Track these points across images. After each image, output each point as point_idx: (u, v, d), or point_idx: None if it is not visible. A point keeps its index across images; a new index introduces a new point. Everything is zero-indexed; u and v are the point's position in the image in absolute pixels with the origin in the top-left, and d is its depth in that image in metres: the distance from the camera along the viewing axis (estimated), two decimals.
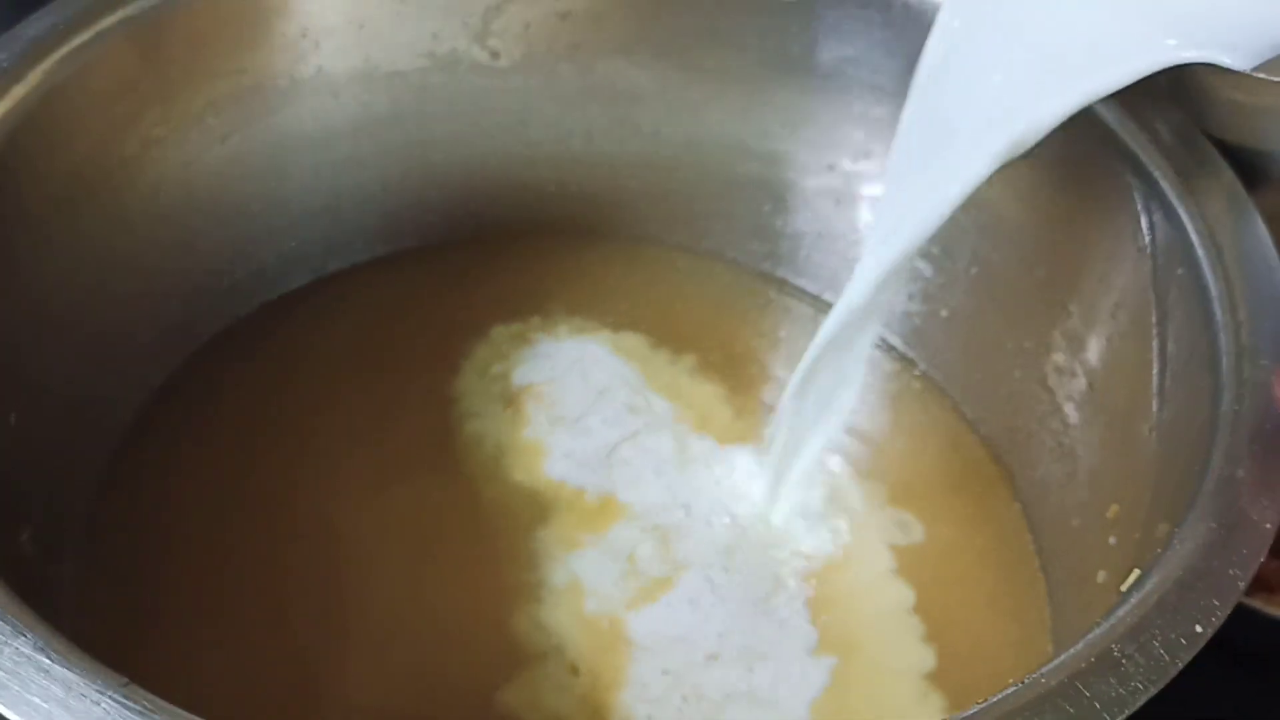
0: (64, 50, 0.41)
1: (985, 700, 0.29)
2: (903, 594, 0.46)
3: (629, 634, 0.44)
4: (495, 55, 0.51)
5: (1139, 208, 0.42)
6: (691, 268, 0.55)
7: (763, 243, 0.55)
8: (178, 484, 0.46)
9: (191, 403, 0.49)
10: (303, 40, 0.48)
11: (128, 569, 0.44)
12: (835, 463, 0.49)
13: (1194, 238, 0.40)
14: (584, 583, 0.45)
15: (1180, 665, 0.30)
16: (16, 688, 0.27)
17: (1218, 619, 0.31)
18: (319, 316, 0.52)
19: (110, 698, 0.27)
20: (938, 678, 0.44)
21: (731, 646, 0.44)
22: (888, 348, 0.53)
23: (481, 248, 0.54)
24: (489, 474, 0.48)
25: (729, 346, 0.53)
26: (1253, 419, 0.35)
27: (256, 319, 0.51)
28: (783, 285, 0.55)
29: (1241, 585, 0.32)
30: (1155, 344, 0.41)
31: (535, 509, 0.47)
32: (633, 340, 0.53)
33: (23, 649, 0.28)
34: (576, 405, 0.50)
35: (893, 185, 0.42)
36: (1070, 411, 0.46)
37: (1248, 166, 0.41)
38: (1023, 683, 0.29)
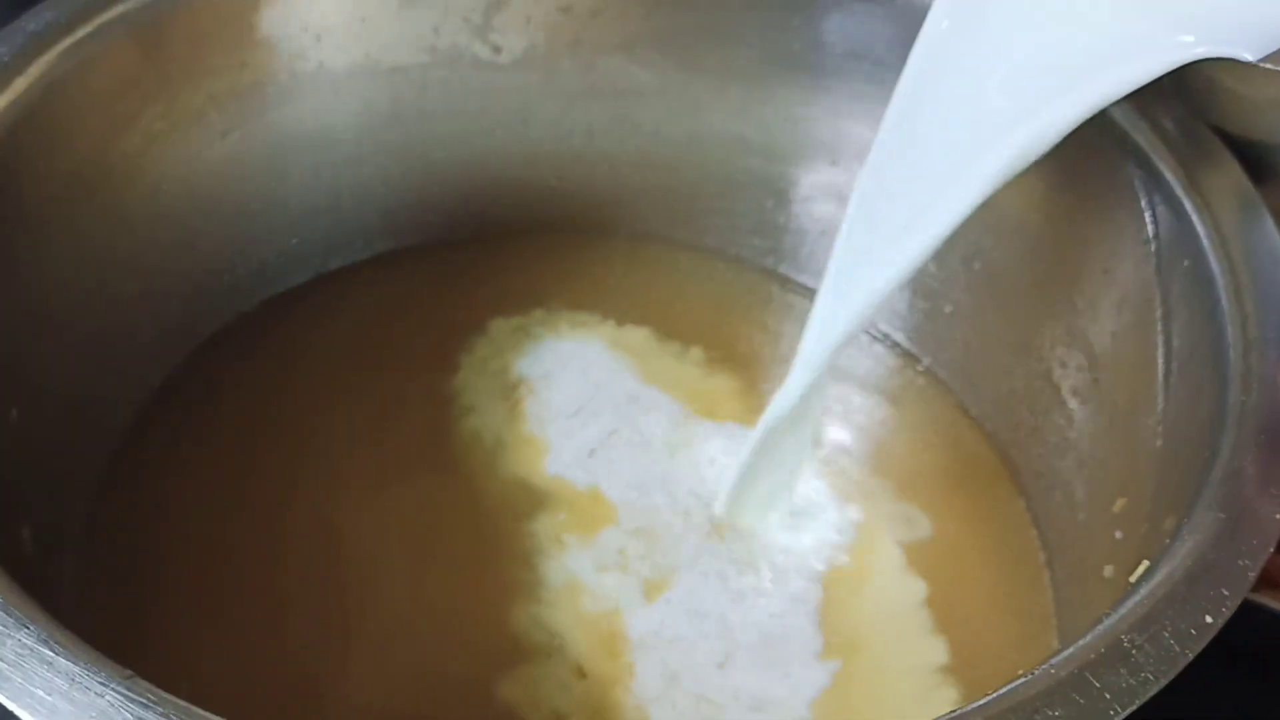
0: (64, 45, 0.41)
1: (994, 691, 0.29)
2: (911, 589, 0.46)
3: (629, 633, 0.44)
4: (497, 50, 0.51)
5: (1143, 201, 0.42)
6: (693, 265, 0.55)
7: (765, 239, 0.55)
8: (178, 483, 0.46)
9: (191, 402, 0.48)
10: (303, 36, 0.48)
11: (127, 568, 0.44)
12: (839, 459, 0.49)
13: (1199, 230, 0.40)
14: (584, 581, 0.45)
15: (1191, 656, 0.30)
16: (20, 680, 0.27)
17: (1228, 609, 0.31)
18: (319, 314, 0.52)
19: (114, 690, 0.27)
20: (950, 672, 0.43)
21: (735, 645, 0.44)
22: (891, 344, 0.53)
23: (482, 245, 0.54)
24: (489, 471, 0.48)
25: (731, 342, 0.53)
26: (1260, 410, 0.35)
27: (257, 317, 0.51)
28: (785, 282, 0.55)
29: (1251, 575, 0.31)
30: (1160, 337, 0.41)
31: (535, 506, 0.47)
32: (634, 336, 0.53)
33: (26, 641, 0.28)
34: (577, 400, 0.50)
35: (859, 222, 0.41)
36: (1075, 406, 0.46)
37: (1255, 161, 0.41)
38: (1032, 674, 0.29)
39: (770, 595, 0.45)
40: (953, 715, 0.28)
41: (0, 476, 0.39)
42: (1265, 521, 0.33)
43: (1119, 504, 0.42)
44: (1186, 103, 0.42)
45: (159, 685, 0.28)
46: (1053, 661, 0.29)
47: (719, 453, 0.49)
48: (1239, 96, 0.40)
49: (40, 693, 0.27)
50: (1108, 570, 0.40)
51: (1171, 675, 0.29)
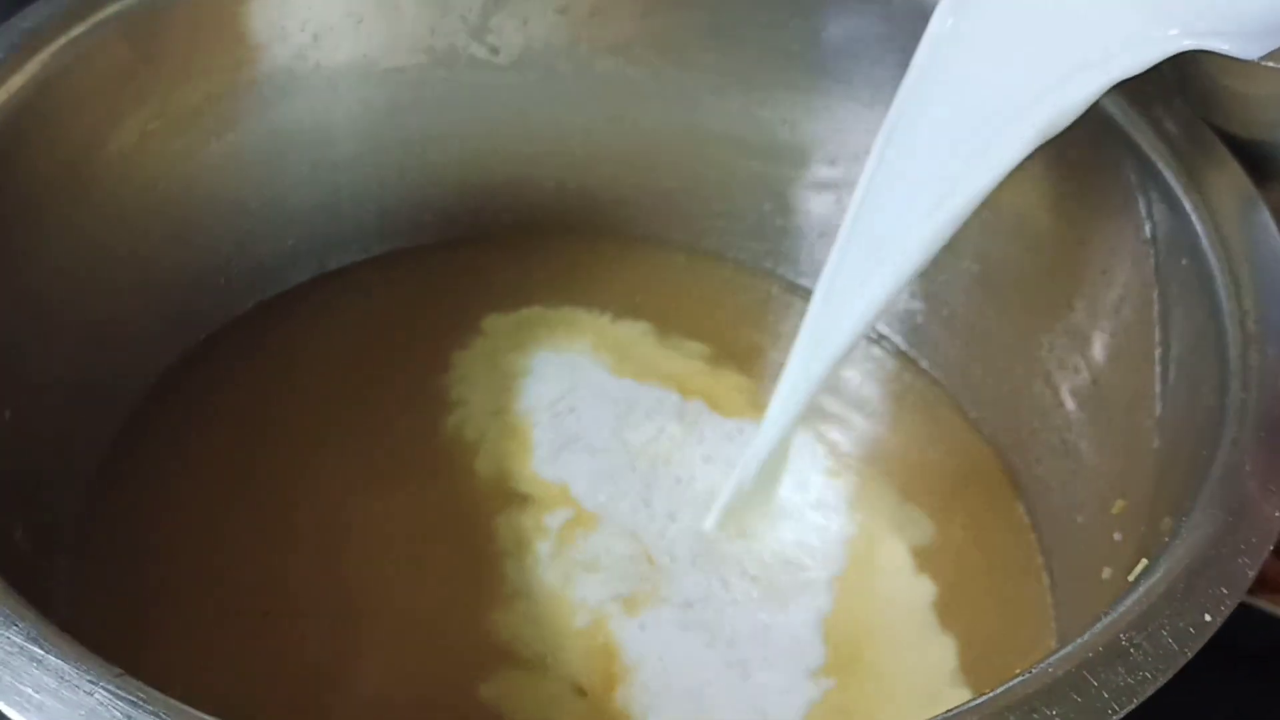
0: (60, 42, 0.41)
1: (992, 690, 0.29)
2: (918, 593, 0.45)
3: (623, 639, 0.43)
4: (494, 51, 0.51)
5: (1141, 200, 0.42)
6: (691, 265, 0.55)
7: (763, 241, 0.55)
8: (174, 480, 0.46)
9: (188, 400, 0.48)
10: (300, 35, 0.48)
11: (122, 566, 0.43)
12: (837, 462, 0.49)
13: (1198, 227, 0.40)
14: (580, 585, 0.45)
15: (1189, 655, 0.30)
16: (8, 678, 0.27)
17: (1227, 608, 0.30)
18: (317, 314, 0.52)
19: (103, 688, 0.27)
20: (960, 673, 0.43)
21: (732, 651, 0.43)
22: (889, 346, 0.53)
23: (480, 246, 0.54)
24: (485, 470, 0.48)
25: (729, 342, 0.53)
26: (1260, 407, 0.35)
27: (254, 316, 0.51)
28: (784, 283, 0.55)
29: (1250, 574, 0.31)
30: (1158, 337, 0.41)
31: (532, 506, 0.47)
32: (632, 335, 0.53)
33: (14, 638, 0.28)
34: (573, 401, 0.50)
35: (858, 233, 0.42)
36: (1073, 407, 0.46)
37: (1255, 160, 0.41)
38: (1030, 672, 0.29)
39: (771, 599, 0.45)
40: (951, 714, 0.28)
41: None
42: (1265, 520, 0.32)
43: (1118, 506, 0.41)
44: (1187, 101, 0.42)
45: (153, 684, 0.27)
46: (1051, 660, 0.29)
47: (719, 449, 0.49)
48: (1240, 94, 0.40)
49: (29, 690, 0.27)
50: (1106, 572, 0.40)
51: (1170, 674, 0.29)
